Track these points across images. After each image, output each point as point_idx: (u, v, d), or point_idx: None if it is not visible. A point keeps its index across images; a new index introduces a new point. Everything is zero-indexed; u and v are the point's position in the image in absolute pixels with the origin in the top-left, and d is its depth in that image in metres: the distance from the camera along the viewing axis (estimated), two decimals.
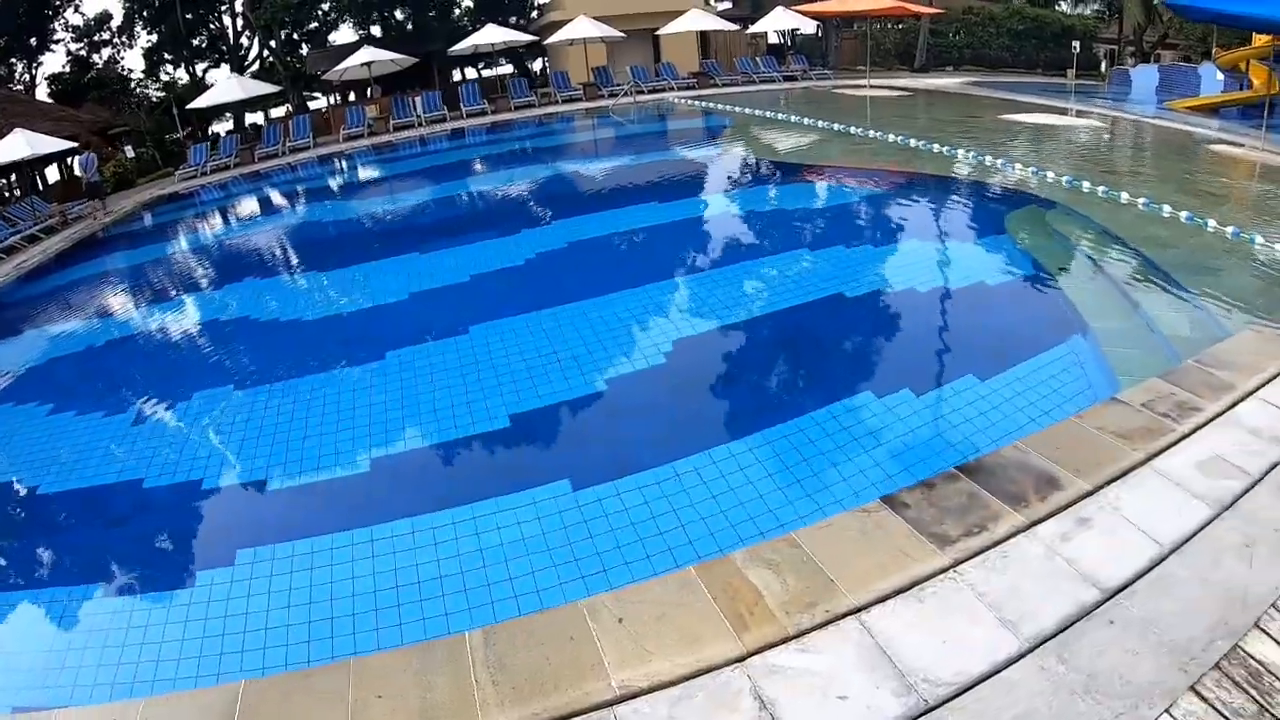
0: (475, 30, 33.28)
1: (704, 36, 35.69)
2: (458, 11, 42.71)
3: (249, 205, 23.12)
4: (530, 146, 25.99)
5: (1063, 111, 22.33)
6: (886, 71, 34.52)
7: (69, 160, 30.59)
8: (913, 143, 17.07)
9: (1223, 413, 5.58)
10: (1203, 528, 4.42)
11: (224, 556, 5.98)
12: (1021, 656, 3.67)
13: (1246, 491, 4.72)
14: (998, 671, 3.61)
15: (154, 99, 40.89)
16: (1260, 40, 20.48)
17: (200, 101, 29.79)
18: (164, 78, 43.55)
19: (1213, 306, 8.36)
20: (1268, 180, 14.17)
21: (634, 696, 3.68)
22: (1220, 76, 23.90)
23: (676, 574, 4.48)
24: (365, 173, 25.37)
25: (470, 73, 46.05)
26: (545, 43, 33.01)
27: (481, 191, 19.63)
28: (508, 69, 46.08)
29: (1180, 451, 5.17)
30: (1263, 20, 16.38)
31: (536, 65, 46.67)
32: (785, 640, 3.90)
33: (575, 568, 5.30)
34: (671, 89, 31.24)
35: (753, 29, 34.07)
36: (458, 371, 8.42)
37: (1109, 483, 4.89)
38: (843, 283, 10.04)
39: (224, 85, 30.67)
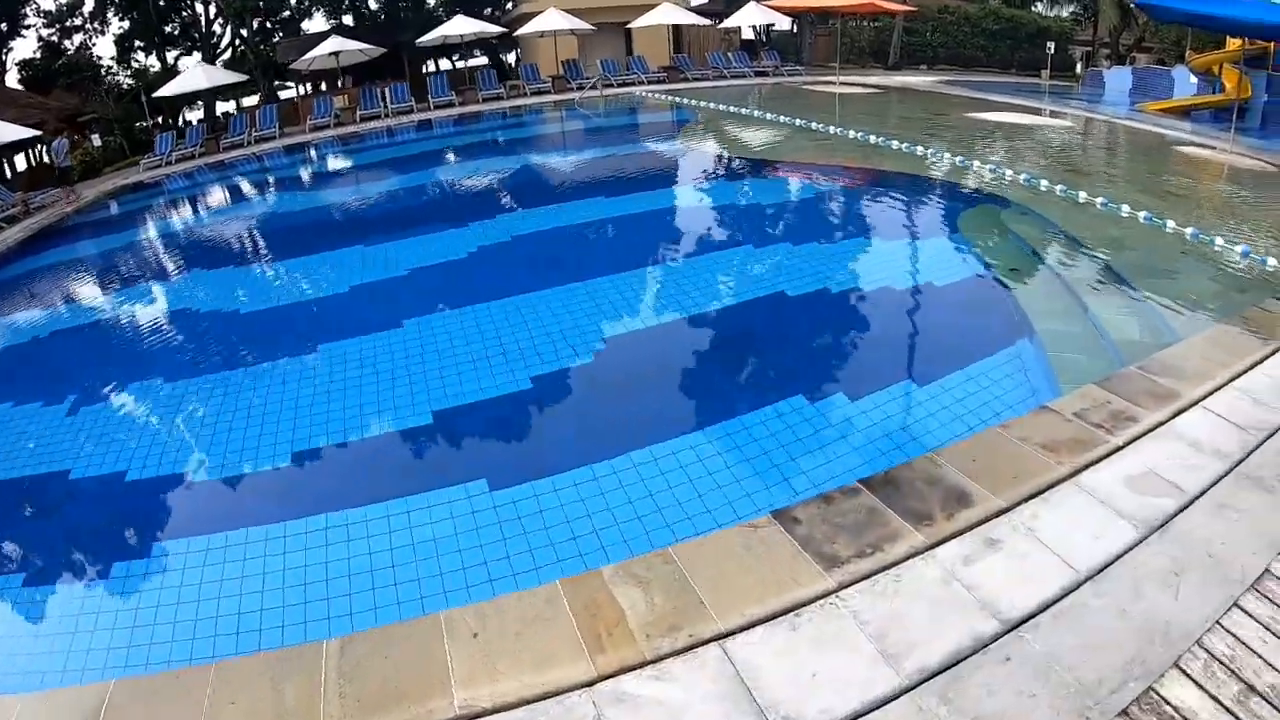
0: (448, 21, 32.67)
1: (676, 31, 35.16)
2: (432, 2, 42.07)
3: (210, 196, 22.48)
4: (488, 140, 25.54)
5: (1032, 111, 22.04)
6: (860, 69, 34.17)
7: (39, 147, 29.91)
8: (873, 139, 16.68)
9: (1162, 424, 5.20)
10: (1126, 551, 4.01)
11: (132, 550, 5.89)
12: (899, 695, 3.25)
13: (1180, 511, 4.32)
14: (870, 711, 3.19)
15: (123, 86, 40.07)
16: (1233, 44, 20.25)
17: (166, 90, 29.11)
18: (135, 65, 42.71)
19: (1166, 310, 8.04)
20: (1232, 182, 13.91)
21: (475, 717, 3.40)
22: (1194, 80, 23.72)
23: (543, 588, 4.13)
24: (325, 165, 24.75)
25: (446, 64, 45.42)
26: (515, 34, 32.48)
27: (430, 185, 19.06)
28: (484, 60, 45.43)
29: (1110, 466, 4.77)
30: (1232, 21, 16.15)
31: (511, 57, 46.07)
32: (641, 665, 3.52)
33: (463, 576, 5.00)
34: (641, 83, 30.71)
35: (725, 24, 33.60)
36: (388, 370, 8.06)
37: (1026, 500, 4.48)
38: (783, 282, 9.65)
39: (190, 74, 30.06)
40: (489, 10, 41.33)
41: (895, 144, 16.00)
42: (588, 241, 12.43)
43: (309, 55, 30.06)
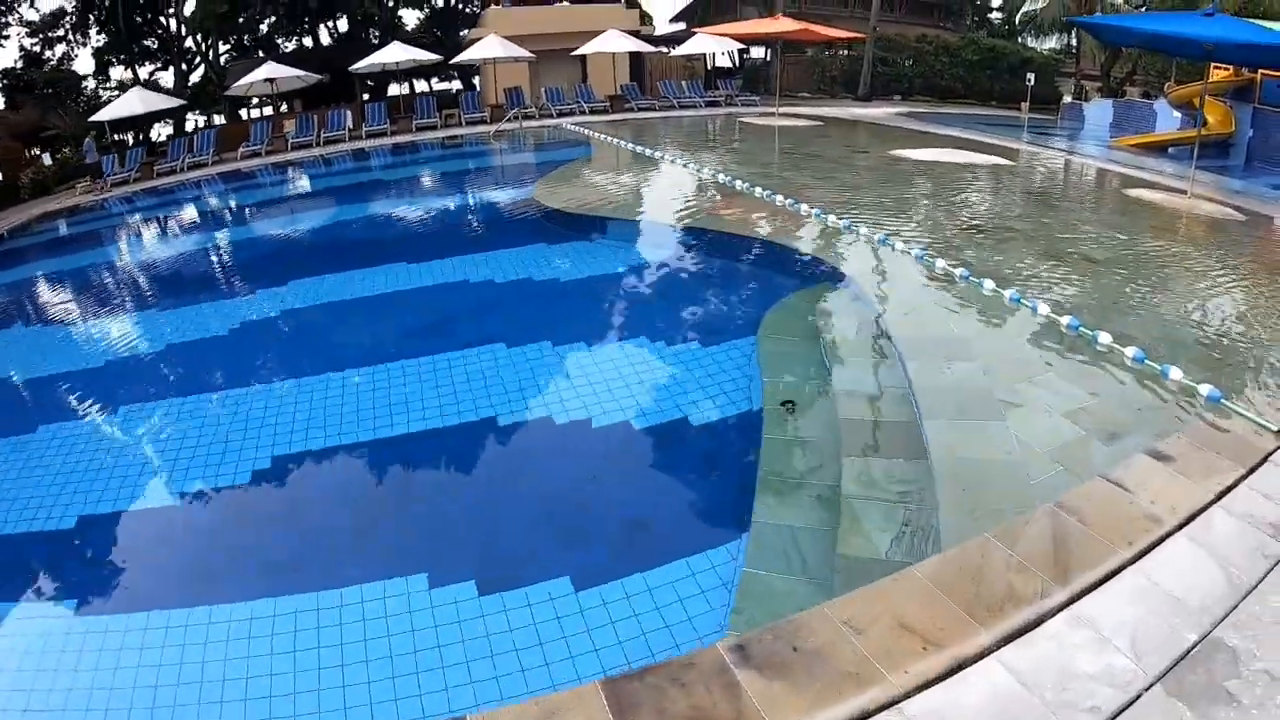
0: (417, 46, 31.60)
1: (637, 58, 33.63)
2: (412, 26, 41.06)
3: (119, 228, 21.27)
4: (371, 180, 23.78)
5: (979, 148, 20.04)
6: (829, 99, 32.45)
7: None
8: (739, 184, 14.45)
9: None
10: None
11: None
12: None
13: None
14: None
15: (84, 102, 39.48)
16: (1218, 74, 18.66)
17: (101, 115, 28.26)
18: (114, 79, 42.31)
19: (955, 487, 5.15)
20: (1179, 237, 11.50)
21: None
22: (1176, 114, 21.97)
23: None
24: (224, 199, 23.39)
25: (423, 85, 44.25)
26: (452, 62, 31.29)
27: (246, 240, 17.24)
28: (457, 84, 44.36)
29: None
30: (1170, 38, 14.66)
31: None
32: None
33: None
34: (582, 112, 29.28)
35: (675, 52, 31.86)
36: None
37: None
38: (463, 408, 7.45)
39: (125, 98, 29.14)
40: (465, 33, 40.17)
41: (758, 190, 13.74)
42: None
43: (243, 81, 29.01)
